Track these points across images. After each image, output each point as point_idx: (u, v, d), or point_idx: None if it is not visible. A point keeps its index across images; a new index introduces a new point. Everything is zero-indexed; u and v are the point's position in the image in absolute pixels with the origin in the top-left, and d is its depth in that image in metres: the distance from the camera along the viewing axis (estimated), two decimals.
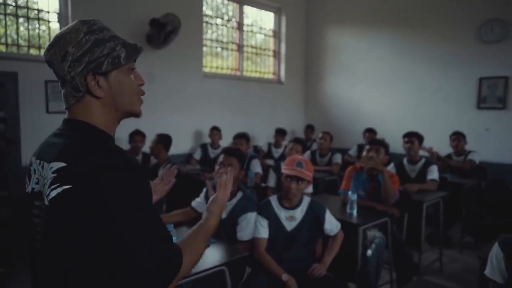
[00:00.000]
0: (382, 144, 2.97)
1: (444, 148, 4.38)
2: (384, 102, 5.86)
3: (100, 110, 0.88)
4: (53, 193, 0.77)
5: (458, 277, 3.21)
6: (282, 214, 2.23)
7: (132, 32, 4.39)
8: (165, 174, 1.45)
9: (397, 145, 4.85)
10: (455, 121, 4.95)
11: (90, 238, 0.75)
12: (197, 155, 4.90)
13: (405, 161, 3.74)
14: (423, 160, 3.64)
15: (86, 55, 0.83)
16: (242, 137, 3.99)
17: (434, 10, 5.24)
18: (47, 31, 4.20)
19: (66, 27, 0.88)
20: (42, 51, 4.05)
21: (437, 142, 4.47)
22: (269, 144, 5.51)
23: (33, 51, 4.06)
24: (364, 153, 2.91)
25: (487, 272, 1.64)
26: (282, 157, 4.88)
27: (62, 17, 4.17)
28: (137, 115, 0.94)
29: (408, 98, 5.58)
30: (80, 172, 0.76)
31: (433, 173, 3.52)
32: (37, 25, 4.13)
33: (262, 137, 6.09)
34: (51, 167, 0.80)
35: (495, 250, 1.62)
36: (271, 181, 3.60)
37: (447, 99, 5.18)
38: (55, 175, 0.78)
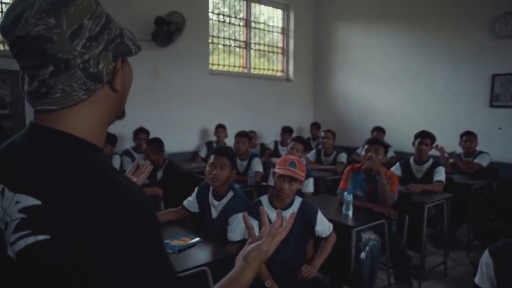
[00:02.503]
0: (382, 143, 2.89)
1: (453, 147, 4.24)
2: (393, 100, 5.72)
3: (104, 110, 0.66)
4: (21, 243, 0.55)
5: (462, 282, 3.10)
6: (273, 214, 2.19)
7: (137, 30, 4.39)
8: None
9: (405, 143, 4.74)
10: (466, 120, 4.79)
11: None
12: (203, 153, 4.91)
13: (411, 160, 3.65)
14: (430, 161, 3.54)
15: (105, 31, 0.62)
16: (244, 135, 3.97)
17: (445, 4, 5.06)
18: None
19: None
20: None
21: (447, 141, 4.32)
22: (276, 142, 5.46)
23: None
24: (363, 153, 2.84)
25: (476, 279, 1.58)
26: None
27: None
28: (124, 116, 0.74)
29: (418, 96, 5.43)
30: (62, 217, 0.53)
31: (440, 174, 3.41)
32: None
33: (269, 135, 6.05)
34: (17, 201, 0.56)
35: (485, 257, 1.55)
36: (272, 180, 3.55)
37: (458, 96, 5.01)
38: (24, 216, 0.55)
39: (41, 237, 0.53)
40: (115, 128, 4.18)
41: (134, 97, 4.53)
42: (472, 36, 4.82)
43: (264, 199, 2.26)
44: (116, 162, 3.85)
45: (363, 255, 2.29)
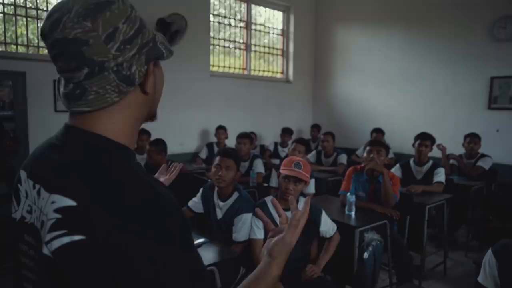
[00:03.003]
0: (383, 145, 2.93)
1: (452, 149, 4.28)
2: (392, 102, 5.77)
3: (136, 112, 0.67)
4: (56, 243, 0.56)
5: (461, 281, 3.14)
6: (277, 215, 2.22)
7: None
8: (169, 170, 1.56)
9: (404, 145, 4.79)
10: (465, 122, 4.85)
11: None
12: (203, 154, 4.93)
13: (411, 162, 3.69)
14: (430, 162, 3.58)
15: (138, 35, 0.63)
16: (245, 136, 3.99)
17: (444, 7, 5.12)
18: None
19: None
20: None
21: (446, 143, 4.36)
22: (276, 144, 5.49)
23: (41, 51, 4.15)
24: (365, 154, 2.87)
25: (480, 278, 1.60)
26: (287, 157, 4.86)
27: None
28: (155, 117, 0.75)
29: (417, 98, 5.48)
30: (97, 217, 0.55)
31: (440, 175, 3.45)
32: None
33: (269, 137, 6.08)
34: (53, 201, 0.58)
35: (489, 256, 1.58)
36: (274, 181, 3.59)
37: (457, 99, 5.06)
38: (59, 216, 0.57)
39: (76, 237, 0.55)
40: None
41: None
42: (471, 39, 4.88)
43: (269, 199, 2.28)
44: None
45: (366, 255, 2.32)
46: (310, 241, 2.26)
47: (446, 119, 5.14)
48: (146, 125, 4.41)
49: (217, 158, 2.30)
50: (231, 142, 4.96)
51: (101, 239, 0.54)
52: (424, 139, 3.59)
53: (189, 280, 0.58)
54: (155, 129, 4.36)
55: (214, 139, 5.10)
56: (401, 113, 5.65)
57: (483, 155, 4.07)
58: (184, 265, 0.58)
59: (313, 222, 2.19)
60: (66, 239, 0.55)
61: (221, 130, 4.97)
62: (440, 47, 5.19)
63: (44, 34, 0.61)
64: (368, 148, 2.85)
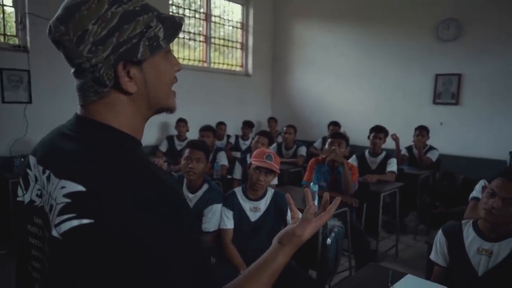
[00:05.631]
0: (344, 137, 3.10)
1: (403, 141, 4.59)
2: (348, 96, 6.05)
3: (129, 108, 0.67)
4: (66, 226, 0.59)
5: (411, 262, 3.43)
6: (247, 205, 2.29)
7: None
8: None
9: (359, 137, 5.06)
10: (413, 116, 5.22)
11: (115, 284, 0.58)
12: (163, 147, 4.86)
13: (366, 153, 3.92)
14: (383, 153, 3.83)
15: (114, 35, 0.61)
16: (208, 129, 4.01)
17: (394, 8, 5.45)
18: (0, 15, 3.98)
19: None
20: None
21: (397, 134, 4.69)
22: (237, 136, 5.55)
23: None
24: (327, 146, 3.02)
25: (432, 256, 1.79)
26: (249, 149, 4.94)
27: (17, 2, 3.96)
28: (172, 110, 0.75)
29: (371, 93, 5.80)
30: (105, 202, 0.57)
31: (393, 165, 3.72)
32: None
33: (230, 129, 6.10)
34: (62, 186, 0.60)
35: (439, 236, 1.77)
36: (237, 173, 3.65)
37: (406, 94, 5.43)
38: (69, 200, 0.59)
39: (85, 221, 0.57)
40: None
41: None
42: (419, 39, 5.24)
43: (238, 190, 2.34)
44: None
45: (329, 240, 2.46)
46: (278, 230, 2.33)
47: (397, 113, 5.49)
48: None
49: (187, 151, 2.31)
50: (191, 135, 4.94)
51: (109, 223, 0.56)
52: (378, 131, 3.84)
53: (194, 261, 0.62)
54: None
55: (174, 132, 5.04)
56: (356, 107, 5.94)
57: (431, 148, 4.43)
58: (189, 249, 0.62)
59: (281, 210, 2.29)
60: (75, 222, 0.58)
61: (181, 122, 4.92)
62: (391, 45, 5.52)
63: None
64: (330, 140, 3.01)
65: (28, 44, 3.94)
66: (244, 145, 5.43)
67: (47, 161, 0.67)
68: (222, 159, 3.98)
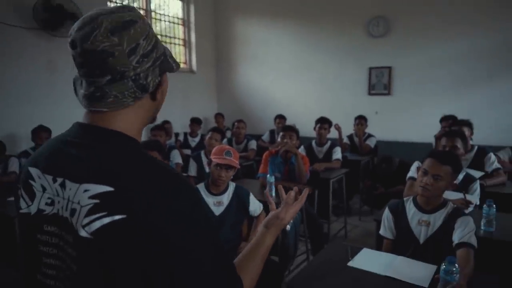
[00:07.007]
0: (294, 130, 3.30)
1: (343, 130, 4.95)
2: (291, 90, 6.33)
3: (145, 114, 0.78)
4: (96, 224, 0.64)
5: (360, 240, 3.76)
6: (210, 200, 2.37)
7: (18, 17, 4.00)
8: None
9: (305, 129, 5.32)
10: (351, 106, 5.62)
11: (146, 277, 0.65)
12: None
13: (313, 143, 4.18)
14: (329, 143, 4.12)
15: (154, 50, 0.73)
16: (160, 129, 3.98)
17: (328, 6, 5.82)
18: None
19: (120, 12, 0.71)
20: None
21: (339, 124, 5.03)
22: (185, 134, 5.54)
23: None
24: (279, 139, 3.20)
25: (381, 231, 2.03)
26: (200, 146, 4.98)
27: None
28: (155, 120, 0.86)
29: (312, 86, 6.13)
30: (136, 198, 0.64)
31: (337, 153, 4.01)
32: None
33: (177, 127, 6.07)
34: (86, 190, 0.66)
35: (386, 213, 2.01)
36: (192, 170, 3.70)
37: (344, 86, 5.84)
38: (97, 201, 0.65)
39: (117, 217, 0.63)
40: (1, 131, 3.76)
41: (28, 94, 4.13)
42: (352, 35, 5.65)
43: (201, 186, 2.41)
44: (14, 166, 3.51)
45: (288, 227, 2.63)
46: (242, 222, 2.47)
47: (336, 104, 5.87)
48: (45, 122, 4.02)
49: None
50: (144, 137, 4.84)
51: (140, 217, 0.63)
52: (324, 122, 4.12)
53: (214, 253, 0.70)
54: (56, 126, 4.02)
55: None
56: (299, 101, 6.24)
57: (370, 135, 4.83)
58: (209, 238, 0.71)
59: (242, 203, 2.41)
60: (106, 220, 0.64)
61: None
62: (328, 40, 5.88)
63: (75, 44, 0.70)
64: (281, 134, 3.18)
65: None
66: (193, 142, 5.44)
67: (58, 169, 0.71)
68: (176, 157, 3.99)
